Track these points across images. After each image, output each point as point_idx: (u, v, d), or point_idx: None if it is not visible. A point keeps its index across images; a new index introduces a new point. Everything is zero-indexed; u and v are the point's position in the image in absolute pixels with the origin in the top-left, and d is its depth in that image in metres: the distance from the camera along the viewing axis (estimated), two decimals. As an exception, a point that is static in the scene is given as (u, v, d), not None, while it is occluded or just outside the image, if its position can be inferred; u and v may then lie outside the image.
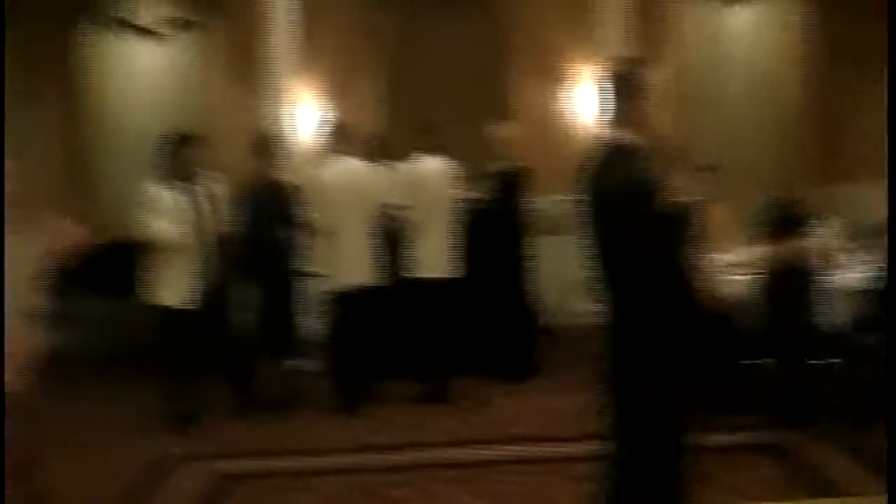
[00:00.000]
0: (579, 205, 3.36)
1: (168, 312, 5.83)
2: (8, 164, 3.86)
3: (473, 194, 6.84)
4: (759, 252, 5.72)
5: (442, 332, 6.39)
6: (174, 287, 5.83)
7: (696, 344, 3.35)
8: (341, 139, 6.31)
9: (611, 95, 3.30)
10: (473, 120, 8.47)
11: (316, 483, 5.06)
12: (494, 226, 6.77)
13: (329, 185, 6.18)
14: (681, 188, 3.37)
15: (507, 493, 4.84)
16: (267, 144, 6.47)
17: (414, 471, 5.19)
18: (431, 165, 6.46)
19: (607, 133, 3.32)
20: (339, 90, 8.37)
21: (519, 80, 8.62)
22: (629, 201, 3.15)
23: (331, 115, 7.61)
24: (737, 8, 8.67)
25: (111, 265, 6.60)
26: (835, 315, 5.56)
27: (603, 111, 3.40)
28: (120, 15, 8.28)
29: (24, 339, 3.86)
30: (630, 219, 3.15)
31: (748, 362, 5.57)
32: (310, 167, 6.93)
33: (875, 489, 4.65)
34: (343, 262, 6.18)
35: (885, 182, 8.53)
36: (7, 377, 3.77)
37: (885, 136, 7.67)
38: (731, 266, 6.00)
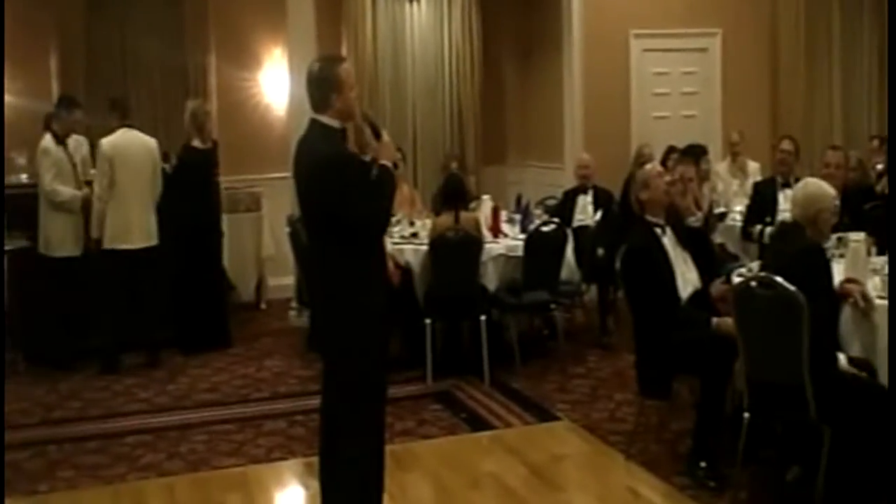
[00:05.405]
0: (295, 183, 3.78)
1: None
2: None
3: (169, 168, 7.07)
4: (433, 223, 6.38)
5: (126, 303, 6.70)
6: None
7: (386, 309, 3.84)
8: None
9: (312, 86, 3.69)
10: (170, 99, 8.69)
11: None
12: (192, 199, 7.01)
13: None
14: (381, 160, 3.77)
15: (199, 451, 5.18)
16: None
17: (108, 438, 5.39)
18: (130, 140, 6.72)
19: (310, 117, 3.72)
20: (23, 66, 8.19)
21: (216, 63, 8.86)
22: (327, 175, 3.55)
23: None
24: (420, 1, 9.41)
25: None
26: (491, 278, 6.34)
27: (299, 97, 3.80)
28: None
29: None
30: (330, 190, 3.54)
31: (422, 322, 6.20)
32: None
33: (522, 422, 5.51)
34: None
35: (527, 165, 9.67)
36: None
37: (567, 124, 8.85)
38: (413, 236, 6.66)
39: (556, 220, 6.83)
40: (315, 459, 3.94)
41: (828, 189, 4.29)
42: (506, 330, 6.53)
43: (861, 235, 4.64)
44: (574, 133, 8.93)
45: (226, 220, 7.54)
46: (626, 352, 6.14)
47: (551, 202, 7.90)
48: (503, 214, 7.08)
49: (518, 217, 7.15)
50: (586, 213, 7.53)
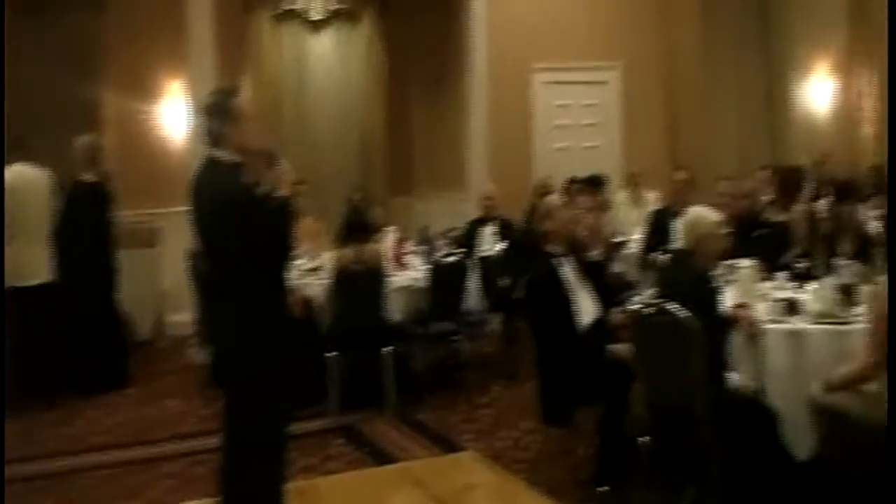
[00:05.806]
0: (190, 218, 3.68)
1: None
2: None
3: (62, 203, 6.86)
4: (336, 256, 6.33)
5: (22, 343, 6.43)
6: None
7: (289, 342, 3.79)
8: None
9: (208, 120, 3.63)
10: (62, 132, 8.44)
11: None
12: (83, 236, 6.82)
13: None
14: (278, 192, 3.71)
15: (96, 495, 5.01)
16: None
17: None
18: (24, 174, 6.58)
19: (206, 151, 3.66)
20: None
21: (113, 95, 8.67)
22: (227, 212, 3.50)
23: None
24: (324, 33, 9.41)
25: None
26: (395, 309, 6.32)
27: (198, 130, 3.72)
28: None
29: None
30: (230, 227, 3.50)
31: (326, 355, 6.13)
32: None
33: (428, 454, 5.48)
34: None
35: (434, 196, 9.68)
36: None
37: (471, 156, 8.92)
38: (315, 269, 6.60)
39: (461, 250, 6.88)
40: (215, 500, 3.84)
41: (708, 215, 4.41)
42: (411, 361, 6.51)
43: (750, 262, 4.79)
44: (478, 164, 9.04)
45: (122, 256, 7.34)
46: (529, 381, 6.18)
47: (455, 233, 7.94)
48: (408, 245, 7.09)
49: (423, 248, 7.18)
50: (490, 243, 7.60)
